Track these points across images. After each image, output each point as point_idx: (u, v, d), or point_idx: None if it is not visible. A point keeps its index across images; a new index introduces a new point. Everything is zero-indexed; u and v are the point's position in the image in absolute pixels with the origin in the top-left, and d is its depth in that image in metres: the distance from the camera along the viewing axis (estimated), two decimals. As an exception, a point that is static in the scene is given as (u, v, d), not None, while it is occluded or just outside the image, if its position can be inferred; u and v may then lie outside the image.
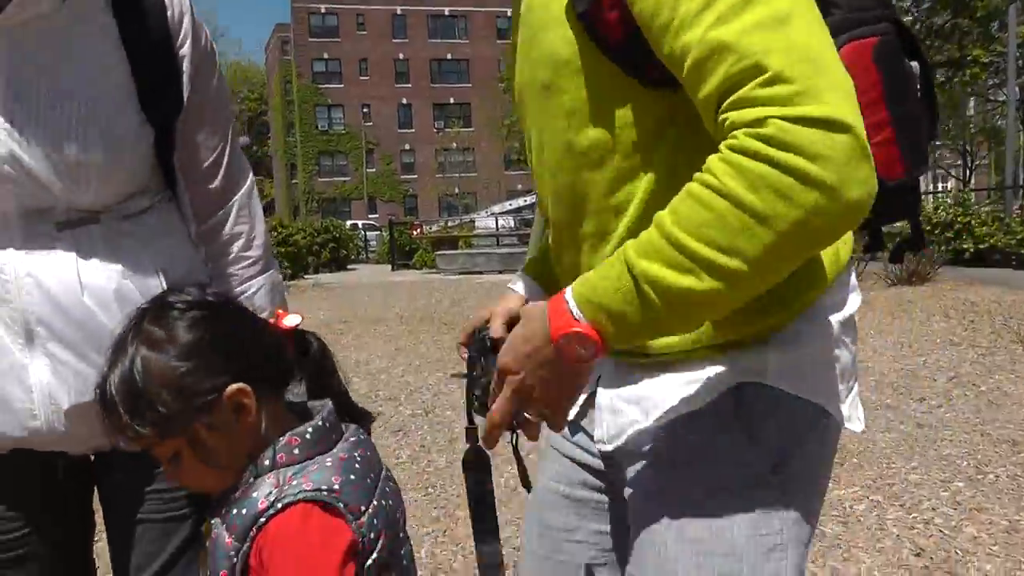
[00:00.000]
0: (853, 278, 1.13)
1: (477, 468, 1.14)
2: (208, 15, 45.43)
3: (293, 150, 60.46)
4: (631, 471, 1.10)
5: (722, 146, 0.82)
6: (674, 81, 0.90)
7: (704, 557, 1.01)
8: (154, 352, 1.01)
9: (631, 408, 1.08)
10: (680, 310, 0.85)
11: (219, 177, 1.35)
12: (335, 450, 1.08)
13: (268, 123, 69.70)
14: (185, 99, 1.26)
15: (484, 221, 36.59)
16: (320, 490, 1.02)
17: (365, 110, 60.16)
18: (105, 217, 1.20)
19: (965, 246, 13.21)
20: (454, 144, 55.37)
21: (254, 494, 1.02)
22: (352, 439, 1.12)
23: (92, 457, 1.30)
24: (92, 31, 1.20)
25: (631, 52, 0.94)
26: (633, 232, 0.93)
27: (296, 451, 1.05)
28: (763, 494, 1.02)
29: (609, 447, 1.11)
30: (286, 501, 1.00)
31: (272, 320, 1.16)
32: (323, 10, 59.49)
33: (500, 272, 17.66)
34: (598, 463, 1.20)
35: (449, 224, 28.64)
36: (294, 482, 1.02)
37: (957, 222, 13.44)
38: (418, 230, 21.56)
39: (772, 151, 0.78)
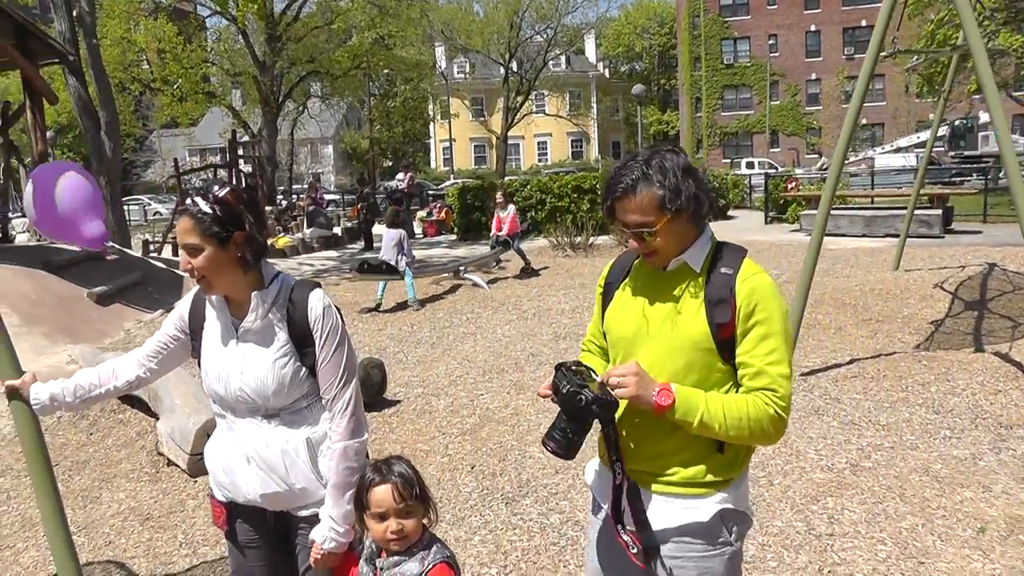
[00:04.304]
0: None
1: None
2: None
3: (698, 84, 60.53)
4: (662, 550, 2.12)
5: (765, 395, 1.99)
6: (733, 362, 2.06)
7: None
8: None
9: (656, 518, 2.12)
10: (706, 435, 2.03)
11: (333, 390, 2.36)
12: None
13: (677, 56, 70.49)
14: (319, 353, 2.34)
15: (883, 160, 33.75)
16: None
17: (772, 41, 58.07)
18: (283, 412, 2.35)
19: None
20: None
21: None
22: None
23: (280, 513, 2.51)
24: (274, 329, 2.32)
25: (726, 347, 2.04)
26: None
27: None
28: (736, 560, 2.15)
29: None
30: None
31: None
32: (733, -60, 58.04)
33: (862, 236, 16.46)
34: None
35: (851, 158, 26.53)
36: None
37: None
38: (793, 184, 21.52)
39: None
